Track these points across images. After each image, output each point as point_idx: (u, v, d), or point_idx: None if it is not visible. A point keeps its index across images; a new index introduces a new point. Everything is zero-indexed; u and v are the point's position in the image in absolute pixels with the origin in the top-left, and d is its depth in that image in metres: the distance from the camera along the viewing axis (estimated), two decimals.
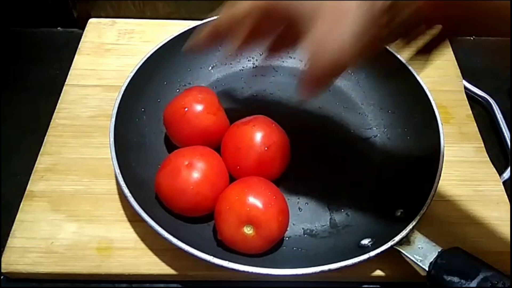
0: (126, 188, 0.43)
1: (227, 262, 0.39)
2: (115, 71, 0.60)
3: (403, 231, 0.41)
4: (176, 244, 0.40)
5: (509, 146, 0.56)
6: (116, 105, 0.49)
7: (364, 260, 0.40)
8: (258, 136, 0.45)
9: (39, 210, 0.47)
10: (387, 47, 0.56)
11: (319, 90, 0.35)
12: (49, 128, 0.54)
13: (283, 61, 0.61)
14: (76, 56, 0.61)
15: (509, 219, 0.48)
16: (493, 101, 0.61)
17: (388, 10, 0.30)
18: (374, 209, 0.48)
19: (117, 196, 0.49)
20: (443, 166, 0.45)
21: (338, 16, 0.30)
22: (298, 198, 0.49)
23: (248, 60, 0.61)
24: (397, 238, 0.41)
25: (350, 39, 0.30)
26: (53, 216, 0.47)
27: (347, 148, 0.54)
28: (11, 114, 0.58)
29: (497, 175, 0.52)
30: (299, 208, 0.49)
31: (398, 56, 0.55)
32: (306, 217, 0.48)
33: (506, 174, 0.53)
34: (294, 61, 0.61)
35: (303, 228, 0.47)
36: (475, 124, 0.57)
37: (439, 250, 0.40)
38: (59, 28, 0.69)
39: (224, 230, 0.42)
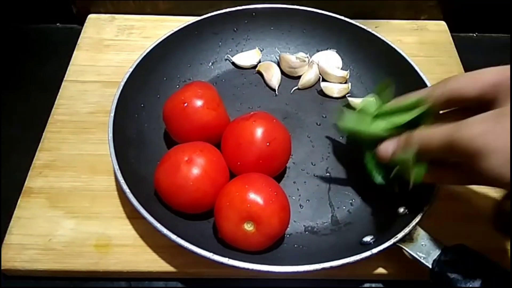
0: (125, 184, 0.43)
1: (227, 259, 0.39)
2: (114, 67, 0.59)
3: (406, 228, 0.41)
4: (175, 241, 0.39)
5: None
6: (115, 101, 0.49)
7: (366, 258, 0.39)
8: (259, 132, 0.45)
9: (37, 207, 0.47)
10: (389, 43, 0.56)
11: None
12: (48, 124, 0.54)
13: None
14: (75, 52, 0.61)
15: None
16: None
17: None
18: (376, 206, 0.48)
19: (116, 193, 0.48)
20: None
21: None
22: (299, 195, 0.49)
23: None
24: (399, 235, 0.40)
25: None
26: (51, 213, 0.47)
27: (349, 145, 0.53)
28: (9, 109, 0.58)
29: None
30: (300, 205, 0.48)
31: (401, 52, 0.55)
32: (307, 214, 0.48)
33: None
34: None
35: (304, 225, 0.47)
36: None
37: (443, 247, 0.40)
38: (58, 24, 0.69)
39: (224, 226, 0.41)
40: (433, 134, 0.37)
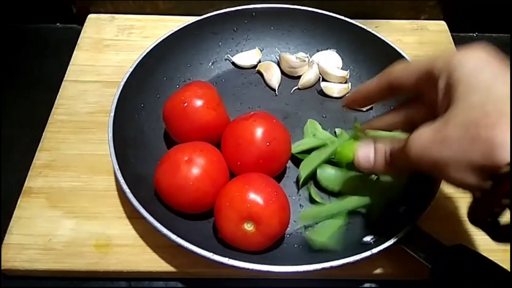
0: (125, 184, 0.43)
1: (227, 259, 0.39)
2: (114, 67, 0.59)
3: (406, 227, 0.41)
4: (175, 241, 0.39)
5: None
6: (115, 101, 0.49)
7: (366, 257, 0.39)
8: (259, 132, 0.45)
9: (36, 207, 0.47)
10: (389, 43, 0.56)
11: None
12: (48, 124, 0.54)
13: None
14: (75, 52, 0.61)
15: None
16: None
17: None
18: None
19: (116, 193, 0.48)
20: None
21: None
22: (299, 195, 0.49)
23: None
24: (400, 235, 0.40)
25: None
26: (51, 213, 0.46)
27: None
28: (9, 109, 0.58)
29: None
30: (300, 205, 0.48)
31: (401, 52, 0.55)
32: None
33: None
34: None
35: (304, 225, 0.47)
36: None
37: (443, 247, 0.40)
38: (58, 24, 0.69)
39: (224, 226, 0.41)
40: (401, 157, 0.36)
